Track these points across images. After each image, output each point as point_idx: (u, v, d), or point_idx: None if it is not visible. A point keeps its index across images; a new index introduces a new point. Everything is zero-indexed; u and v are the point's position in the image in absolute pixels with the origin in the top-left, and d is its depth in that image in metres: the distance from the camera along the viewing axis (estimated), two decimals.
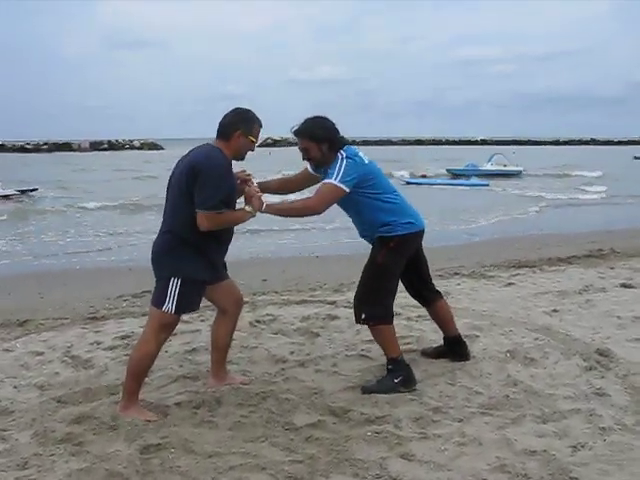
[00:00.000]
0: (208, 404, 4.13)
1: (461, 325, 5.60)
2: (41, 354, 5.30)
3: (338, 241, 13.02)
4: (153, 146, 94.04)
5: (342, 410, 4.03)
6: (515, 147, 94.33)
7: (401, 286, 4.71)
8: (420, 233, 4.53)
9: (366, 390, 4.34)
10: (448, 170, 39.68)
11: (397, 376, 4.40)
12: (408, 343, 5.30)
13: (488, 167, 39.11)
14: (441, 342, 5.05)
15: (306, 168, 4.64)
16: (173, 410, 4.07)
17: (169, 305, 3.91)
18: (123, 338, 5.62)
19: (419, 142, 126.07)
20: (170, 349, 5.29)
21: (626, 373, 4.59)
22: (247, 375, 4.70)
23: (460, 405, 4.12)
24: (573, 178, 36.89)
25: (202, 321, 6.05)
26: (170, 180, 4.04)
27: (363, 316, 4.43)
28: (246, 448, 3.56)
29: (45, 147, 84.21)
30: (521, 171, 39.43)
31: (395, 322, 5.88)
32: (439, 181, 34.51)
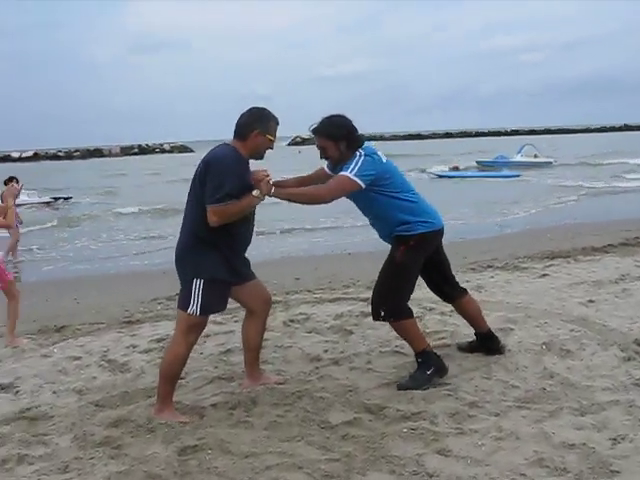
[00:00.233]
0: (244, 404, 4.16)
1: (495, 318, 5.57)
2: (78, 359, 5.38)
3: (370, 237, 12.92)
4: (183, 149, 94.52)
5: (377, 407, 4.02)
6: (547, 136, 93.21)
7: None
8: (440, 231, 4.49)
9: (402, 387, 4.33)
10: (478, 162, 39.35)
11: (429, 367, 4.40)
12: (442, 338, 5.28)
13: (518, 159, 38.61)
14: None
15: (322, 168, 4.63)
16: (209, 411, 4.11)
17: (194, 307, 3.94)
18: (158, 341, 5.68)
19: (448, 135, 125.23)
20: (205, 350, 5.33)
21: None
22: (282, 374, 4.72)
23: (496, 399, 4.08)
24: (613, 166, 35.91)
25: (236, 322, 6.08)
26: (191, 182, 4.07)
27: (382, 314, 4.41)
28: (282, 447, 3.57)
29: (77, 154, 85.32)
30: (552, 162, 38.85)
31: (428, 317, 5.89)
32: (470, 174, 34.26)
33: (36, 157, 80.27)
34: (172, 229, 15.95)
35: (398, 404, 4.06)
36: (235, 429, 3.84)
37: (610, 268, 7.82)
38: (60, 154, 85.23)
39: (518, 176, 31.02)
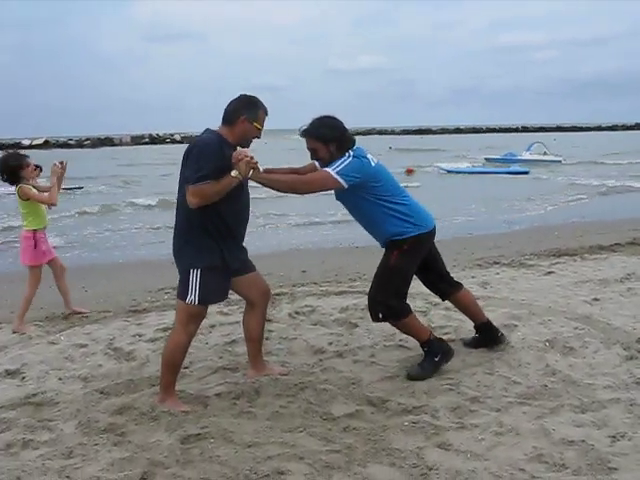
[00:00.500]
0: (247, 395, 4.20)
1: (500, 314, 5.59)
2: (85, 346, 5.42)
3: None
4: (194, 139, 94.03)
5: (380, 400, 4.06)
6: (557, 134, 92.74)
7: None
8: (432, 233, 4.51)
9: (412, 377, 4.38)
10: (486, 159, 39.24)
11: (436, 354, 4.47)
12: (447, 333, 5.30)
13: (526, 156, 38.43)
14: None
15: (314, 162, 4.61)
16: (213, 401, 4.15)
17: (192, 297, 3.98)
18: (164, 330, 5.70)
19: (459, 130, 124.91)
20: (210, 341, 5.37)
21: None
22: (286, 366, 4.75)
23: (498, 395, 4.11)
24: (623, 165, 35.60)
25: (241, 313, 6.06)
26: None
27: (380, 315, 4.44)
28: (284, 438, 3.61)
29: (88, 142, 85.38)
30: (560, 160, 38.61)
31: (433, 312, 5.92)
32: (478, 169, 34.18)
33: (47, 145, 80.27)
34: None
35: (400, 397, 4.09)
36: (238, 419, 3.88)
37: (616, 267, 7.82)
38: (71, 142, 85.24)
39: (527, 172, 30.91)
